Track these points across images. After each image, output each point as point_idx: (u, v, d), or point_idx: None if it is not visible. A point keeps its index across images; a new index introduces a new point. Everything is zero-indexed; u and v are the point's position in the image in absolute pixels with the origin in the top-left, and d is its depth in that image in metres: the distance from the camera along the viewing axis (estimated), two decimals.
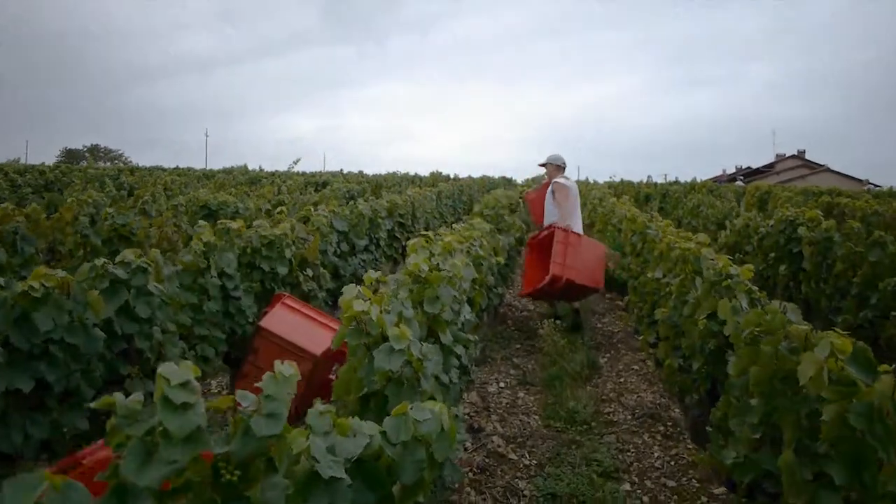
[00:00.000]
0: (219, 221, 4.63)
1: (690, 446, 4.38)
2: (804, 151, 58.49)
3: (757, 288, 3.31)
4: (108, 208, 5.80)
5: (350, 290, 2.28)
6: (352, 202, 7.97)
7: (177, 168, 24.65)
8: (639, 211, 6.90)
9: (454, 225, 5.53)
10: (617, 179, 22.48)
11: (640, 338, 5.91)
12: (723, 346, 3.29)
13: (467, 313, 3.32)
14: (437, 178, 19.90)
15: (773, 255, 7.00)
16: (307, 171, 22.64)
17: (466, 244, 4.09)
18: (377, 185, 17.15)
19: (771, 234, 7.47)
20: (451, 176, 26.67)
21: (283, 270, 5.00)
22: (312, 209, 5.99)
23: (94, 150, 69.61)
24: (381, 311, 2.36)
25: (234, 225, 4.60)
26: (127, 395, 3.15)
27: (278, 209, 5.99)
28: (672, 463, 4.21)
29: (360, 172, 24.10)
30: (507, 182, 27.22)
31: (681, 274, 4.34)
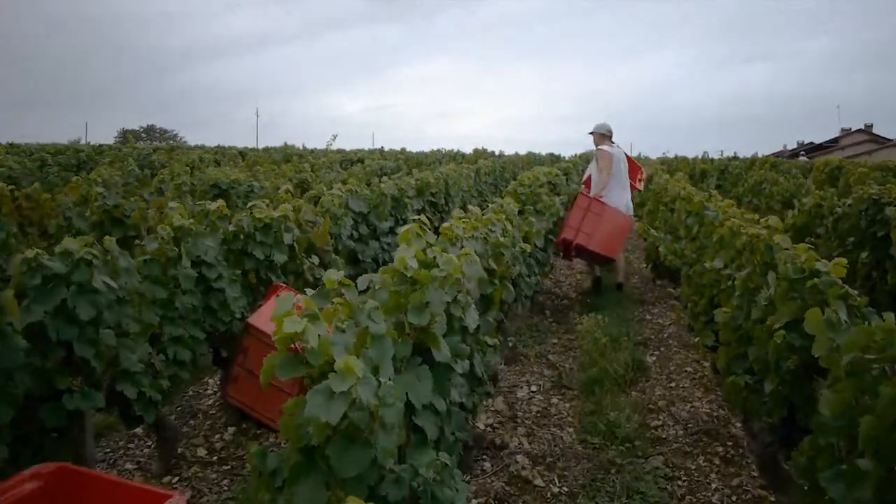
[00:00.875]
0: (197, 203, 4.03)
1: (756, 475, 3.62)
2: (871, 126, 55.46)
3: (856, 292, 2.52)
4: (100, 188, 5.28)
5: (284, 302, 1.63)
6: (376, 181, 7.32)
7: (219, 146, 24.45)
8: (694, 189, 6.06)
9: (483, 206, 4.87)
10: (671, 155, 21.26)
11: (696, 338, 5.11)
12: (808, 367, 2.52)
13: (473, 319, 2.64)
14: (479, 155, 19.10)
15: (851, 239, 6.07)
16: (346, 149, 22.11)
17: (483, 230, 3.38)
18: (418, 161, 16.49)
19: (849, 214, 6.52)
20: (497, 153, 25.82)
21: (280, 258, 4.39)
22: (325, 189, 5.36)
23: (150, 131, 71.43)
24: (330, 330, 1.70)
25: (213, 205, 3.99)
26: (66, 413, 2.49)
27: (283, 188, 5.36)
28: (734, 498, 3.46)
29: (403, 150, 23.42)
30: (555, 159, 26.22)
31: (747, 266, 3.56)
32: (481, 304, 3.46)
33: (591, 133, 7.43)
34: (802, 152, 47.87)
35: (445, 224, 3.11)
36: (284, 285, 4.33)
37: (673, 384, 5.00)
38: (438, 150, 24.67)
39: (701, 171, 15.36)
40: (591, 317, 5.51)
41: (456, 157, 18.39)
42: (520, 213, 5.84)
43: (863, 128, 55.01)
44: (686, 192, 6.05)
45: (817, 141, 55.09)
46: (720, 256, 4.33)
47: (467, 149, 23.49)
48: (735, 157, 19.20)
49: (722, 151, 25.44)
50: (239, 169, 11.27)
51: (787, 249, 3.22)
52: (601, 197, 6.94)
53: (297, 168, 8.93)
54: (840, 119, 78.19)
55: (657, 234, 6.10)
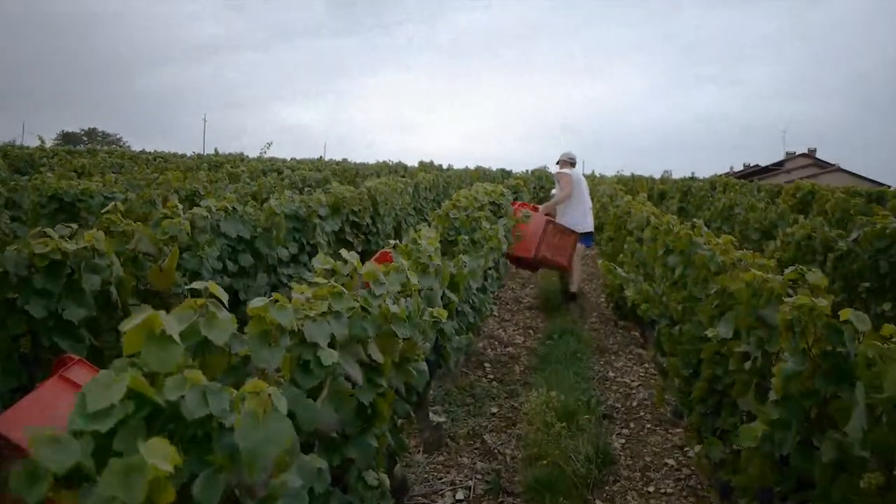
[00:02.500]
0: None
1: None
2: (815, 150, 56.43)
3: None
4: None
5: None
6: (290, 196, 5.83)
7: (157, 152, 22.44)
8: (673, 217, 4.77)
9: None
10: (626, 173, 20.28)
11: (687, 424, 3.76)
12: None
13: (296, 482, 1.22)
14: (424, 168, 17.74)
15: (866, 285, 4.87)
16: (285, 158, 20.46)
17: (342, 302, 1.90)
18: (356, 173, 15.01)
19: (855, 253, 5.34)
20: (446, 166, 24.50)
21: (75, 313, 2.87)
22: (176, 208, 3.85)
23: (92, 134, 69.63)
24: None
25: None
26: None
27: (160, 198, 3.83)
28: None
29: (344, 160, 21.90)
30: (506, 174, 25.07)
31: (794, 354, 2.21)
32: (358, 419, 2.03)
33: (559, 161, 8.19)
34: (753, 177, 48.09)
35: (254, 305, 1.65)
36: (77, 359, 2.82)
37: (651, 488, 3.64)
38: (385, 162, 23.22)
39: (660, 192, 14.30)
40: (541, 393, 4.10)
41: (397, 170, 16.96)
42: (451, 242, 4.46)
43: (806, 152, 55.95)
44: (663, 222, 4.76)
45: (763, 163, 55.80)
46: (727, 321, 3.01)
47: (447, 163, 22.15)
48: (693, 178, 18.31)
49: (670, 172, 24.65)
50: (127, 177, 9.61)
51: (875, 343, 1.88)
52: (555, 213, 7.76)
53: (190, 177, 7.37)
54: (786, 143, 79.94)
55: (625, 274, 4.79)
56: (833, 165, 48.60)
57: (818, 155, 54.74)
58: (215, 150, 19.40)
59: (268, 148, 19.16)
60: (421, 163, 18.56)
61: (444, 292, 3.32)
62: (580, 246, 7.57)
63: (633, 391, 5.07)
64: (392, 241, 4.85)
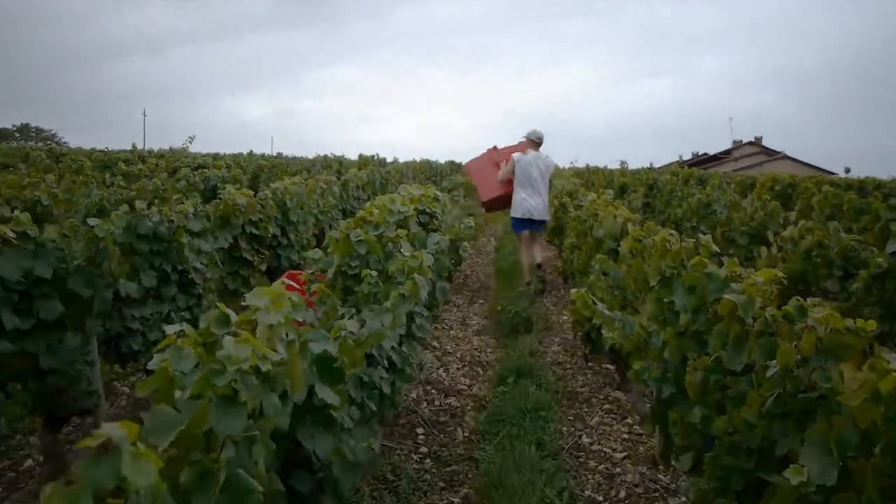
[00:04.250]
0: None
1: None
2: (761, 138, 56.86)
3: None
4: None
5: None
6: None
7: (92, 149, 20.30)
8: (671, 232, 3.40)
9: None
10: (580, 165, 19.02)
11: None
12: None
13: None
14: (366, 163, 16.19)
15: None
16: (209, 153, 18.62)
17: None
18: (284, 171, 13.36)
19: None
20: (392, 160, 22.92)
21: None
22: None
23: (24, 130, 67.09)
24: None
25: None
26: None
27: None
28: None
29: (279, 154, 20.15)
30: (455, 168, 23.67)
31: None
32: None
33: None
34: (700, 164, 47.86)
35: None
36: None
37: None
38: (325, 156, 21.53)
39: (621, 185, 13.07)
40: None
41: (332, 164, 15.35)
42: (354, 278, 3.03)
43: (753, 140, 56.28)
44: (654, 236, 3.36)
45: (711, 152, 55.88)
46: (818, 449, 1.64)
47: (383, 155, 20.52)
48: (652, 168, 17.19)
49: (621, 161, 23.69)
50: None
51: None
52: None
53: (35, 181, 5.69)
54: (732, 132, 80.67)
55: (605, 310, 3.41)
56: (779, 153, 48.84)
57: (764, 143, 55.15)
58: (133, 145, 17.44)
59: (190, 142, 17.33)
60: (361, 156, 16.99)
61: (313, 390, 1.88)
62: (525, 233, 7.98)
63: (618, 469, 3.71)
64: (312, 252, 3.44)
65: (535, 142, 8.03)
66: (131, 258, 4.08)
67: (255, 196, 5.78)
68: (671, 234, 3.38)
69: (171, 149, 20.77)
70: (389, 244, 3.32)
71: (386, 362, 3.03)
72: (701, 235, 3.34)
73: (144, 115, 74.35)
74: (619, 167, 15.48)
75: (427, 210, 4.33)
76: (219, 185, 8.03)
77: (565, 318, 6.97)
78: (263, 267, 5.86)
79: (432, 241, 3.73)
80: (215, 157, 14.39)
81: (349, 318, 2.54)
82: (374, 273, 2.86)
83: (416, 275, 2.59)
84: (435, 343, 5.95)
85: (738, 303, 2.44)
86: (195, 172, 7.74)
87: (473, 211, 10.72)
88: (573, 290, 3.43)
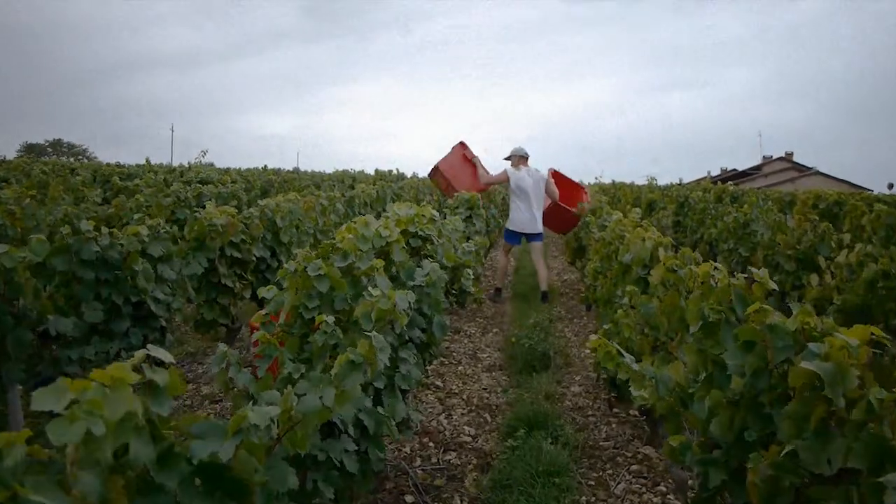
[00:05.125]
0: None
1: None
2: (792, 154, 55.62)
3: None
4: None
5: None
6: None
7: (106, 163, 20.09)
8: (716, 265, 2.69)
9: None
10: (606, 180, 18.25)
11: None
12: None
13: None
14: (382, 177, 15.62)
15: None
16: (222, 167, 18.26)
17: None
18: (294, 185, 12.82)
19: None
20: (411, 175, 22.39)
21: None
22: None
23: (57, 145, 68.87)
24: None
25: None
26: None
27: None
28: None
29: (295, 169, 19.71)
30: None
31: None
32: None
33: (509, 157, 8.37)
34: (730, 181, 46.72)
35: None
36: None
37: None
38: (345, 171, 21.06)
39: (649, 202, 12.30)
40: None
41: (345, 180, 14.79)
42: (313, 321, 2.39)
43: (783, 156, 55.00)
44: (702, 275, 2.64)
45: (741, 168, 54.71)
46: None
47: (404, 169, 20.07)
48: (680, 184, 16.36)
49: (647, 177, 22.95)
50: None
51: None
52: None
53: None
54: (762, 147, 79.26)
55: (633, 364, 2.71)
56: (811, 169, 47.53)
57: (795, 158, 53.84)
58: (146, 159, 17.09)
59: (203, 156, 16.94)
60: (377, 171, 16.44)
61: None
62: (535, 245, 8.23)
63: None
64: (266, 288, 2.81)
65: (522, 157, 8.24)
66: (73, 288, 3.48)
67: (238, 214, 5.18)
68: (716, 268, 2.67)
69: (188, 164, 20.47)
70: (363, 278, 2.67)
71: (353, 429, 2.37)
72: (754, 270, 2.62)
73: (172, 130, 75.14)
74: (646, 183, 14.71)
75: (420, 233, 3.66)
76: (212, 201, 7.47)
77: (587, 351, 6.25)
78: (248, 293, 5.25)
79: (421, 272, 3.06)
80: (224, 171, 13.90)
81: (294, 382, 1.91)
82: (332, 320, 2.21)
83: (374, 332, 1.92)
84: (439, 381, 5.27)
85: (821, 374, 1.73)
86: (187, 188, 7.22)
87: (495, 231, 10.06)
88: (592, 337, 2.74)
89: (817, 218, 6.37)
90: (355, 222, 2.84)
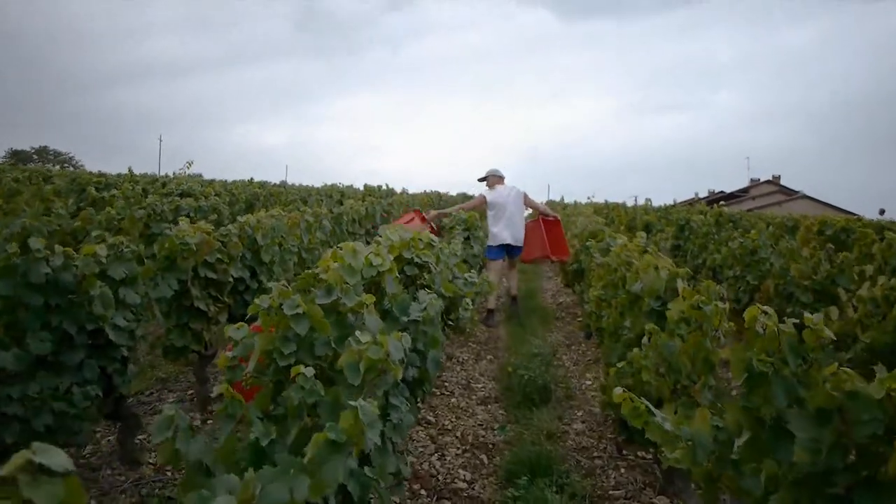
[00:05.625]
0: None
1: None
2: (779, 177, 55.94)
3: None
4: None
5: None
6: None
7: (100, 173, 19.54)
8: (764, 309, 2.34)
9: None
10: (598, 200, 17.95)
11: None
12: None
13: None
14: (371, 193, 15.22)
15: None
16: (208, 178, 17.79)
17: None
18: (279, 199, 12.39)
19: None
20: (401, 190, 22.02)
21: None
22: None
23: (43, 152, 68.40)
24: None
25: None
26: None
27: None
28: None
29: (282, 183, 19.29)
30: (466, 198, 22.72)
31: None
32: None
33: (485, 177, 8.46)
34: (721, 202, 46.73)
35: None
36: None
37: None
38: (334, 185, 20.65)
39: (645, 224, 11.97)
40: None
41: (333, 194, 14.38)
42: (290, 369, 1.97)
43: (771, 178, 55.25)
44: (749, 320, 2.27)
45: (727, 189, 54.85)
46: None
47: (394, 184, 19.70)
48: (674, 205, 16.11)
49: (636, 198, 22.82)
50: None
51: None
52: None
53: None
54: (749, 170, 79.63)
55: (663, 422, 2.30)
56: (798, 192, 47.67)
57: (782, 182, 54.09)
58: (129, 169, 16.58)
59: (188, 167, 16.47)
60: (366, 186, 16.04)
61: None
62: (499, 262, 8.14)
63: None
64: (234, 328, 2.37)
65: (498, 177, 8.34)
66: (18, 315, 3.05)
67: (215, 231, 4.76)
68: (764, 312, 2.28)
69: (172, 174, 19.97)
70: (350, 315, 2.26)
71: (334, 499, 1.95)
72: (807, 316, 2.24)
73: (160, 141, 74.28)
74: (641, 204, 14.39)
75: (417, 260, 3.26)
76: (191, 215, 7.03)
77: (589, 382, 5.87)
78: (224, 317, 4.81)
79: (417, 306, 2.66)
80: (208, 183, 13.44)
81: (262, 452, 1.52)
82: (310, 372, 1.80)
83: (362, 402, 1.51)
84: (431, 416, 4.85)
85: None
86: (164, 200, 6.78)
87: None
88: (617, 391, 2.34)
89: (832, 246, 6.03)
90: (342, 248, 2.44)
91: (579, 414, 5.07)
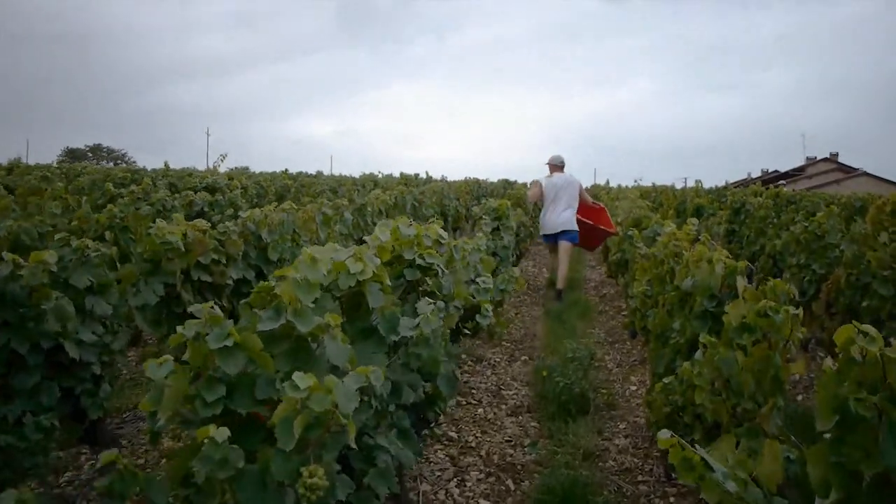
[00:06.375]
0: None
1: None
2: (837, 154, 53.51)
3: None
4: None
5: None
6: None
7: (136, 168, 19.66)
8: (865, 329, 1.77)
9: None
10: (646, 183, 17.07)
11: None
12: None
13: None
14: (406, 182, 14.74)
15: None
16: (246, 171, 17.60)
17: None
18: (312, 191, 12.00)
19: None
20: (440, 177, 21.54)
21: None
22: None
23: (97, 150, 70.41)
24: None
25: None
26: None
27: None
28: None
29: (318, 172, 18.98)
30: (508, 186, 22.07)
31: None
32: None
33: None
34: (780, 181, 44.85)
35: None
36: None
37: None
38: (371, 175, 20.28)
39: (696, 207, 11.18)
40: None
41: (366, 184, 13.92)
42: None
43: (828, 157, 52.86)
44: (843, 344, 1.70)
45: (782, 169, 52.76)
46: None
47: (437, 175, 19.34)
48: (726, 186, 15.16)
49: (685, 180, 21.84)
50: None
51: None
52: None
53: None
54: (805, 148, 76.48)
55: (725, 485, 1.76)
56: (858, 170, 45.40)
57: (840, 159, 51.64)
58: (165, 163, 16.50)
59: (222, 160, 16.24)
60: (402, 175, 15.57)
61: None
62: (563, 243, 8.35)
63: None
64: (153, 364, 1.81)
65: (557, 165, 8.61)
66: None
67: (213, 229, 4.32)
68: (864, 335, 1.67)
69: (212, 166, 19.87)
70: (310, 341, 1.75)
71: None
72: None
73: (208, 135, 75.08)
74: (692, 186, 13.48)
75: (421, 262, 2.72)
76: (206, 210, 6.63)
77: (633, 387, 5.27)
78: None
79: (408, 323, 2.13)
80: (232, 176, 13.15)
81: None
82: (223, 436, 1.30)
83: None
84: (453, 432, 4.33)
85: None
86: (175, 196, 6.40)
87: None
88: (663, 435, 1.78)
89: (869, 225, 5.27)
90: (305, 254, 1.92)
91: (622, 427, 4.49)
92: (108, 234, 5.24)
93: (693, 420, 2.94)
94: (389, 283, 2.30)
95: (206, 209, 6.66)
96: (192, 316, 4.23)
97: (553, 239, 8.49)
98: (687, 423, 3.04)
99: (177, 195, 6.57)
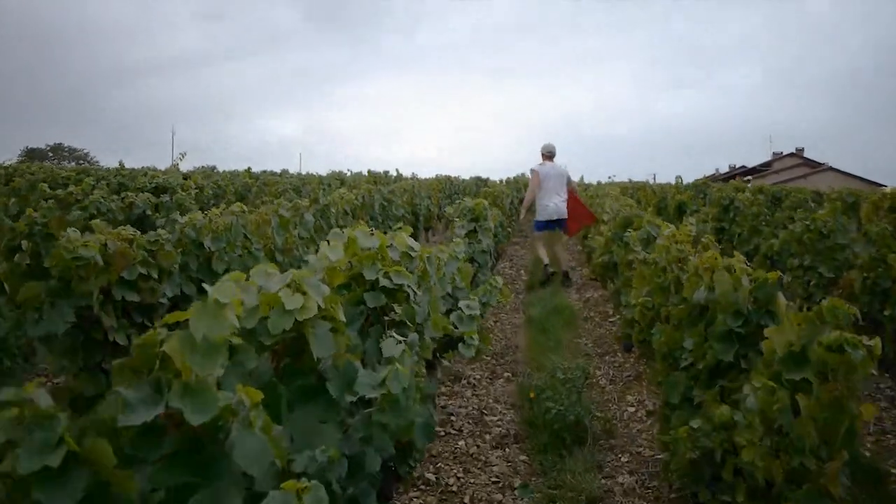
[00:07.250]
0: None
1: None
2: (803, 150, 54.00)
3: None
4: None
5: None
6: None
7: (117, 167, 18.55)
8: None
9: None
10: (620, 179, 16.59)
11: None
12: None
13: None
14: (374, 180, 14.05)
15: None
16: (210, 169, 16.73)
17: None
18: (272, 190, 11.24)
19: None
20: (410, 175, 20.86)
21: None
22: None
23: (58, 150, 68.36)
24: None
25: None
26: None
27: None
28: None
29: (284, 171, 18.18)
30: (481, 184, 21.48)
31: None
32: None
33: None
34: (744, 178, 44.98)
35: None
36: None
37: None
38: (340, 173, 19.52)
39: (677, 204, 10.69)
40: None
41: (332, 183, 13.19)
42: None
43: (794, 152, 53.33)
44: None
45: (750, 164, 53.09)
46: None
47: (410, 172, 18.67)
48: (707, 183, 14.74)
49: (654, 175, 21.57)
50: None
51: None
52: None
53: None
54: (772, 143, 77.35)
55: None
56: (823, 165, 45.75)
57: (806, 154, 52.10)
58: (120, 162, 15.60)
59: (181, 159, 15.39)
60: (369, 172, 14.86)
61: None
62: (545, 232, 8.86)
63: None
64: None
65: (549, 153, 8.86)
66: None
67: (141, 237, 3.62)
68: None
69: (172, 165, 18.93)
70: (212, 434, 1.10)
71: None
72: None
73: (173, 134, 73.10)
74: (664, 182, 13.03)
75: (386, 283, 2.09)
76: (147, 212, 5.90)
77: (631, 409, 4.70)
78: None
79: (369, 380, 1.49)
80: (187, 175, 12.31)
81: None
82: None
83: None
84: (430, 472, 3.70)
85: None
86: (113, 198, 5.66)
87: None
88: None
89: (865, 220, 4.81)
90: (208, 296, 1.27)
91: (624, 460, 3.90)
92: (24, 244, 4.49)
93: (733, 477, 2.35)
94: (343, 319, 1.66)
95: (148, 212, 5.94)
96: (115, 344, 3.49)
97: (553, 226, 8.77)
98: (722, 478, 2.45)
99: (114, 196, 5.84)
